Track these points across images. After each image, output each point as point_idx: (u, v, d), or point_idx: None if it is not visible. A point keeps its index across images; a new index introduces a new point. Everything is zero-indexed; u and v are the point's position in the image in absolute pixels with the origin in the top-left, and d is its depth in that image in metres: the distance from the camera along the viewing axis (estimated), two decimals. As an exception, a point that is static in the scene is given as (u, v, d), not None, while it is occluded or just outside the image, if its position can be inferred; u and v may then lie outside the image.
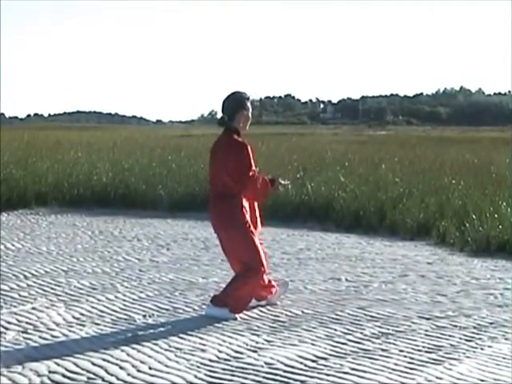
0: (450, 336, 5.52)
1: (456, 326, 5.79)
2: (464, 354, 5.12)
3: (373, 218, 11.04)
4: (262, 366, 4.81)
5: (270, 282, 6.44)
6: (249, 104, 6.15)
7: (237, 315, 5.99)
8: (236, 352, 5.11)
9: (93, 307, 6.29)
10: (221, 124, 6.12)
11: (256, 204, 6.24)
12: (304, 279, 7.40)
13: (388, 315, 6.09)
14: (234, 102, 6.08)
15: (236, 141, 6.04)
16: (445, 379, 4.61)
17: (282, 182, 6.24)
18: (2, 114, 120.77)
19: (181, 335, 5.47)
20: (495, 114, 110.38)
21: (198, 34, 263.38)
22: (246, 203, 6.07)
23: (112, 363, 4.85)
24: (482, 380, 4.63)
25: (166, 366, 4.82)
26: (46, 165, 15.85)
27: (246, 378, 4.60)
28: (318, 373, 4.70)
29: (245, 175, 5.96)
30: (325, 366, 4.83)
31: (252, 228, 6.08)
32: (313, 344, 5.29)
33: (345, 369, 4.76)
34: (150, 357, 4.98)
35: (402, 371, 4.73)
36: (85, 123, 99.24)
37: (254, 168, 6.01)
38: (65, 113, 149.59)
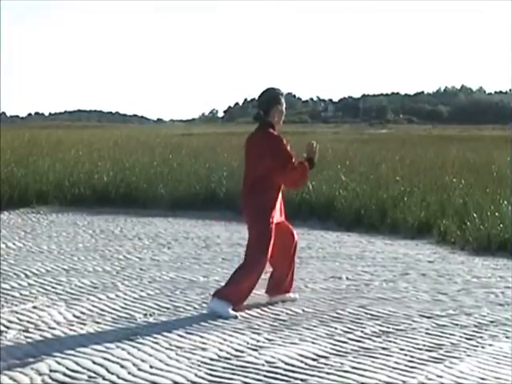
0: (450, 334, 5.52)
1: (457, 325, 5.79)
2: (465, 352, 5.12)
3: (374, 217, 11.04)
4: (263, 365, 4.81)
5: (292, 279, 6.51)
6: (283, 99, 6.34)
7: (237, 314, 6.01)
8: (237, 350, 5.11)
9: (94, 306, 6.29)
10: (257, 119, 6.31)
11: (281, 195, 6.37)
12: (305, 278, 7.40)
13: (389, 314, 6.09)
14: (270, 98, 6.27)
15: (272, 134, 6.21)
16: (445, 378, 4.60)
17: (313, 149, 6.31)
18: (3, 113, 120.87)
19: (181, 334, 5.47)
20: (496, 112, 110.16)
21: (199, 32, 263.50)
22: (276, 195, 6.21)
23: (113, 362, 4.85)
24: (482, 378, 4.63)
25: (167, 364, 4.82)
26: (46, 164, 15.86)
27: (246, 377, 4.60)
28: (319, 371, 4.70)
29: (287, 167, 6.12)
30: (325, 364, 4.83)
31: (276, 220, 6.23)
32: (313, 342, 5.29)
33: (345, 367, 4.76)
34: (150, 355, 4.98)
35: (402, 370, 4.73)
36: (86, 122, 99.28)
37: (293, 158, 6.17)
38: (66, 112, 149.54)
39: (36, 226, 11.01)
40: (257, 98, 6.40)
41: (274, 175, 6.15)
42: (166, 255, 8.68)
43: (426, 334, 5.54)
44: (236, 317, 5.96)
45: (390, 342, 5.33)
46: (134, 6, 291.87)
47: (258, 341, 5.33)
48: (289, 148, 6.19)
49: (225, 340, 5.34)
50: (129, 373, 4.67)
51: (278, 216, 6.30)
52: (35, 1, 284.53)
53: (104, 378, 4.56)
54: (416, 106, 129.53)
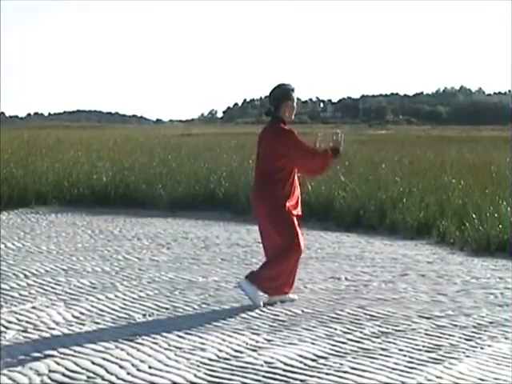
0: (449, 335, 5.52)
1: (456, 326, 5.79)
2: (464, 353, 5.12)
3: (373, 217, 11.03)
4: (262, 365, 4.81)
5: (294, 280, 6.55)
6: (294, 95, 6.43)
7: (260, 301, 6.19)
8: (236, 351, 5.11)
9: (93, 306, 6.29)
10: (267, 114, 6.49)
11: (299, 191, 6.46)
12: (304, 278, 7.40)
13: (388, 314, 6.09)
14: (280, 94, 6.38)
15: (283, 129, 6.35)
16: (445, 378, 4.60)
17: (339, 139, 6.43)
18: (2, 113, 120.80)
19: (180, 334, 5.47)
20: (495, 113, 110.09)
21: (199, 33, 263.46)
22: (289, 188, 6.31)
23: (112, 362, 4.85)
24: (481, 379, 4.63)
25: (166, 365, 4.82)
26: (46, 164, 15.85)
27: (245, 377, 4.60)
28: (318, 372, 4.70)
29: (308, 154, 6.30)
30: (324, 365, 4.83)
31: (293, 211, 6.32)
32: (312, 343, 5.29)
33: (344, 368, 4.76)
34: (149, 356, 4.98)
35: (401, 370, 4.73)
36: (85, 122, 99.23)
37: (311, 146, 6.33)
38: (65, 112, 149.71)
39: (35, 226, 11.00)
40: (268, 94, 6.51)
41: (292, 166, 6.28)
42: (165, 255, 8.68)
43: (425, 334, 5.54)
44: (259, 306, 6.14)
45: (389, 342, 5.32)
46: (133, 6, 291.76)
47: (257, 341, 5.33)
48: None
49: (224, 340, 5.34)
50: (128, 373, 4.66)
51: (298, 209, 6.42)
52: (35, 1, 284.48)
53: (103, 379, 4.56)
54: (415, 107, 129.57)
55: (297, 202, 6.44)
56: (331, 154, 6.36)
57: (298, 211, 6.44)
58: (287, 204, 6.29)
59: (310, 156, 6.31)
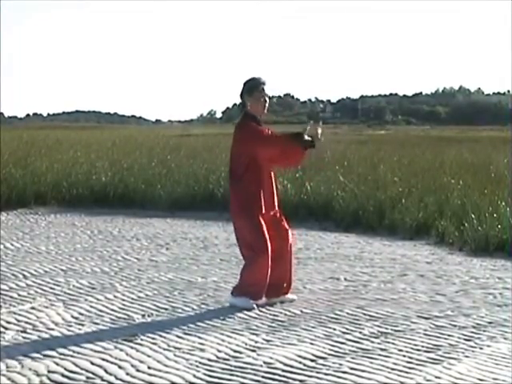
0: (449, 335, 5.52)
1: (455, 326, 5.79)
2: (463, 353, 5.12)
3: (372, 218, 11.04)
4: (261, 366, 4.81)
5: (291, 280, 6.53)
6: (261, 88, 6.31)
7: (254, 304, 6.18)
8: (235, 351, 5.11)
9: (92, 307, 6.29)
10: (239, 110, 6.43)
11: (274, 186, 6.39)
12: (303, 279, 7.40)
13: (387, 315, 6.09)
14: (244, 89, 6.35)
15: (244, 124, 6.30)
16: (444, 379, 4.61)
17: (315, 130, 6.34)
18: (1, 114, 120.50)
19: (180, 334, 5.47)
20: (494, 113, 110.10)
21: (198, 33, 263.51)
22: (258, 186, 6.21)
23: (111, 362, 4.85)
24: (480, 379, 4.63)
25: (165, 365, 4.82)
26: (45, 164, 15.85)
27: (244, 378, 4.60)
28: (317, 372, 4.70)
29: (268, 140, 6.22)
30: (324, 365, 4.83)
31: (261, 211, 6.21)
32: (312, 343, 5.29)
33: (344, 368, 4.76)
34: (148, 356, 4.98)
35: (400, 371, 4.73)
36: (84, 123, 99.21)
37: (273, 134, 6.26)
38: (64, 112, 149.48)
39: (34, 226, 11.00)
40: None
41: (260, 161, 6.18)
42: (164, 256, 8.68)
43: (424, 334, 5.54)
44: (253, 308, 6.13)
45: (389, 343, 5.33)
46: (132, 6, 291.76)
47: (256, 342, 5.33)
48: (261, 128, 6.27)
49: (223, 341, 5.34)
50: (127, 374, 4.66)
51: (275, 205, 6.35)
52: (35, 1, 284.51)
53: (102, 379, 4.56)
54: (414, 107, 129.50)
55: (273, 200, 6.35)
56: (301, 142, 6.21)
57: (275, 209, 6.36)
58: (257, 202, 6.20)
59: (275, 138, 6.20)
